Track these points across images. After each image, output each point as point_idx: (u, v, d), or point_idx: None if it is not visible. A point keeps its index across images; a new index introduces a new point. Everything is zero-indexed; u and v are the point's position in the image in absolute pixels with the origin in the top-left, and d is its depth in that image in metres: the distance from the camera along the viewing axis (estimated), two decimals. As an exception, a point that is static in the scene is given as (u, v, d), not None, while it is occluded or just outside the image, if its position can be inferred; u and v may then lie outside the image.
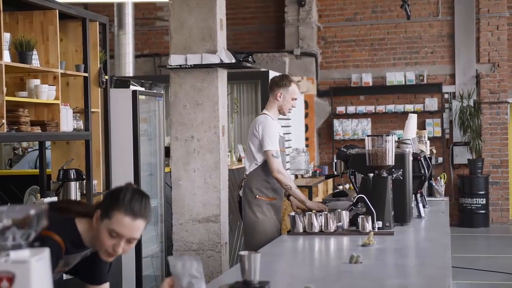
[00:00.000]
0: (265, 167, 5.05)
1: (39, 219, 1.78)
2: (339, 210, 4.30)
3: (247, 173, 5.17)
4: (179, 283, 2.32)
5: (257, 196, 5.06)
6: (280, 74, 5.65)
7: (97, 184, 5.84)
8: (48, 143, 6.03)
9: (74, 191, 5.43)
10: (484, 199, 12.03)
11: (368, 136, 4.42)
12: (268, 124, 5.05)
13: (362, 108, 12.64)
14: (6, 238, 1.75)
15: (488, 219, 12.13)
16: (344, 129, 12.71)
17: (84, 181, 5.60)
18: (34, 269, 1.73)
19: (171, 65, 5.37)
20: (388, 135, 4.39)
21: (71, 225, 2.65)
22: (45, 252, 1.78)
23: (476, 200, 12.00)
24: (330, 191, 9.91)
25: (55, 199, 5.21)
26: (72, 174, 5.46)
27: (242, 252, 2.64)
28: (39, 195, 5.52)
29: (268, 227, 5.05)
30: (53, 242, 2.55)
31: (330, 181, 10.30)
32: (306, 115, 12.14)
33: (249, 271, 2.65)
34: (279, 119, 5.32)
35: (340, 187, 9.45)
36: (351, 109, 12.68)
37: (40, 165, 5.64)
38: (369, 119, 12.65)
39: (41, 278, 1.76)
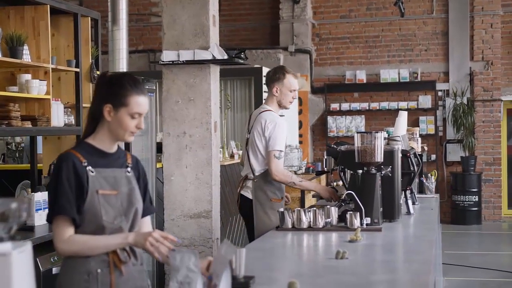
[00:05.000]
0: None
1: (20, 212, 1.80)
2: (328, 206, 4.31)
3: (256, 173, 4.98)
4: (176, 275, 2.35)
5: (272, 199, 4.96)
6: (275, 67, 5.41)
7: (88, 179, 5.84)
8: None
9: (65, 186, 5.42)
10: (477, 196, 12.07)
11: (357, 133, 4.43)
12: (278, 123, 4.94)
13: (356, 105, 12.66)
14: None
15: (480, 217, 12.17)
16: (338, 126, 12.73)
17: (75, 176, 5.60)
18: (16, 262, 1.74)
19: (163, 61, 5.37)
20: (377, 132, 4.40)
21: (81, 144, 2.88)
22: (27, 245, 1.80)
23: (468, 198, 12.03)
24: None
25: (45, 193, 5.22)
26: (63, 169, 5.46)
27: (227, 247, 2.66)
28: (30, 189, 5.52)
29: None
30: (65, 154, 2.78)
31: (324, 177, 10.32)
32: (300, 112, 12.16)
33: (234, 266, 2.68)
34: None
35: (334, 184, 9.47)
36: (345, 106, 12.69)
37: (32, 160, 5.64)
38: (363, 116, 12.67)
39: (23, 270, 1.77)
